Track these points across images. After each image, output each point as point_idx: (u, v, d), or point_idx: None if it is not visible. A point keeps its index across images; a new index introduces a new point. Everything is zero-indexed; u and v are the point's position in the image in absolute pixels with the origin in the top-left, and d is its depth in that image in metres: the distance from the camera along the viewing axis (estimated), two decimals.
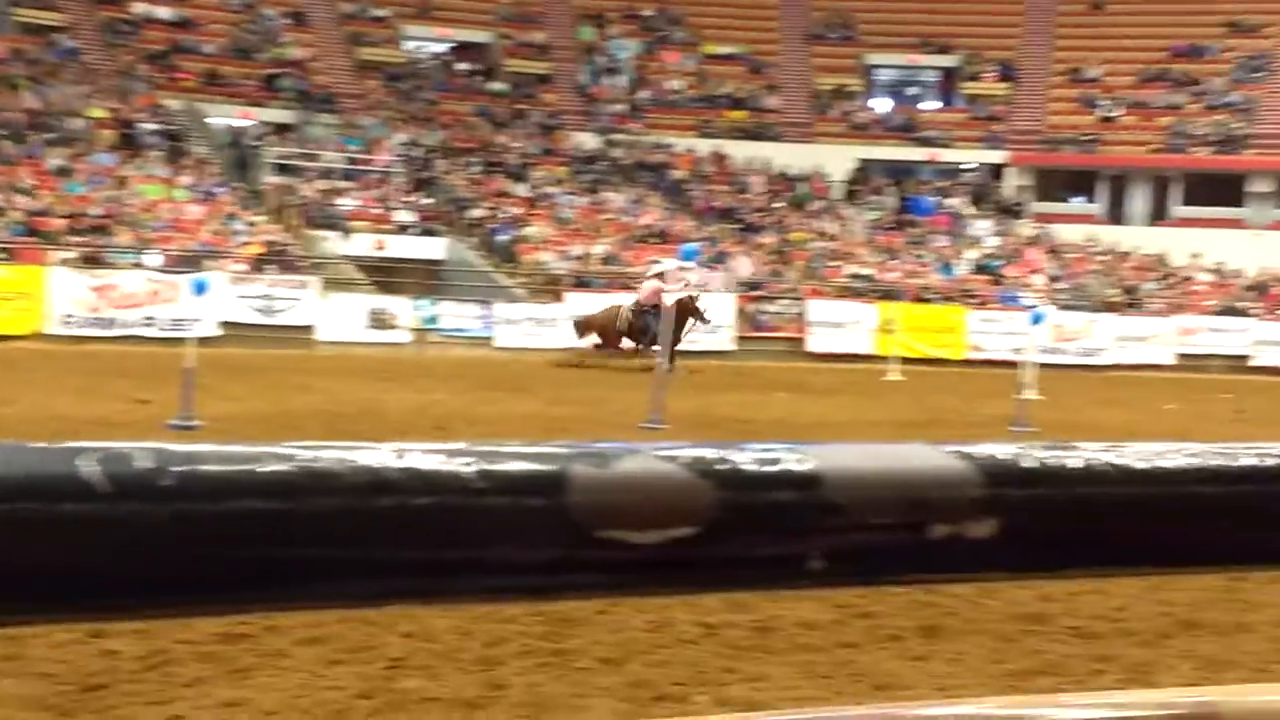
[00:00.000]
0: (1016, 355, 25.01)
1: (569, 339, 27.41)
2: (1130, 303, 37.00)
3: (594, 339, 26.54)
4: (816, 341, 33.22)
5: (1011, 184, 44.11)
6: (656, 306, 24.67)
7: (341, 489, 0.61)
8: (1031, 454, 0.69)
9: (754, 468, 0.66)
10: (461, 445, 0.65)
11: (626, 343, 26.08)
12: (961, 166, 44.69)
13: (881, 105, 46.89)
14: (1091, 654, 7.17)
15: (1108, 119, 44.02)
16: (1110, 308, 36.11)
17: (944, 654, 6.99)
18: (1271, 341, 35.47)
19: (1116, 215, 43.40)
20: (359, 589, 0.65)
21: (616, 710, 5.59)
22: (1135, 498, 0.68)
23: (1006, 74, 46.26)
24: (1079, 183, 44.51)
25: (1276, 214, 41.79)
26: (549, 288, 33.17)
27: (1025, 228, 41.58)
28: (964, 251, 39.15)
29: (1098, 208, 43.95)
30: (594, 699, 5.77)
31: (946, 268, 38.05)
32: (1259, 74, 44.09)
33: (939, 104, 47.04)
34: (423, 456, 0.64)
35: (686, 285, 26.22)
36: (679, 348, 23.98)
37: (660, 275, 26.28)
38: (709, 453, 0.69)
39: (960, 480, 0.67)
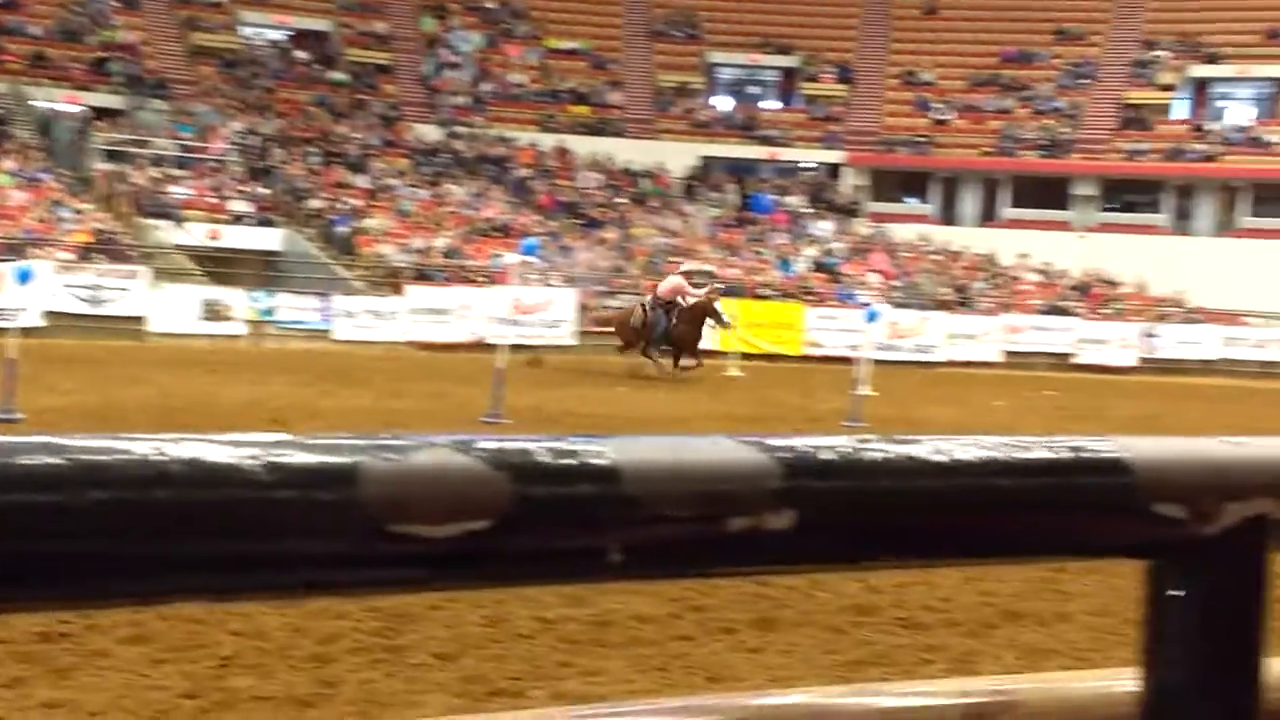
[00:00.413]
0: (853, 352, 25.45)
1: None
2: (961, 301, 37.96)
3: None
4: None
5: (848, 184, 44.93)
6: (672, 304, 24.54)
7: (114, 482, 0.59)
8: (830, 446, 0.70)
9: (551, 460, 0.66)
10: (246, 437, 0.63)
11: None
12: (800, 165, 45.37)
13: (723, 103, 47.35)
14: (919, 644, 7.33)
15: (940, 122, 45.11)
16: (942, 306, 37.00)
17: (777, 645, 7.09)
18: (1094, 340, 36.72)
19: (948, 216, 44.51)
20: (134, 585, 0.63)
21: (450, 705, 5.56)
22: (933, 490, 0.69)
23: (844, 76, 47.09)
24: (913, 183, 45.54)
25: (1100, 216, 43.29)
26: (389, 280, 32.80)
27: (862, 227, 42.40)
28: (803, 249, 39.76)
29: (930, 208, 45.01)
30: (428, 695, 5.72)
31: (785, 265, 38.60)
32: (1084, 81, 45.61)
33: (779, 104, 47.68)
34: (204, 448, 0.62)
35: (710, 288, 25.72)
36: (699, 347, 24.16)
37: (686, 274, 25.95)
38: (505, 445, 0.68)
39: (759, 473, 0.67)
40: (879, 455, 0.69)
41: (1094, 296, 39.39)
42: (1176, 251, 40.72)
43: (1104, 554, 0.78)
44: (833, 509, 0.69)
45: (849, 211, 43.31)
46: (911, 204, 45.49)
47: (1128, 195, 43.59)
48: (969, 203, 44.78)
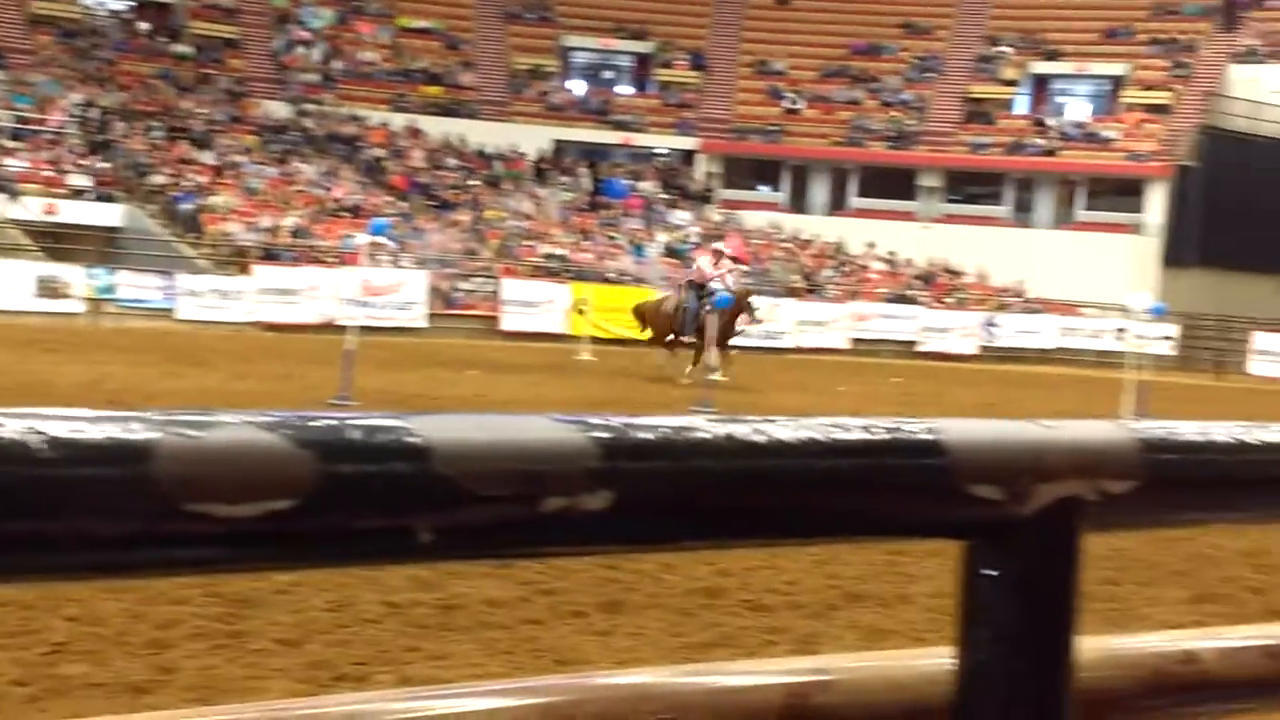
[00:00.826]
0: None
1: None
2: (810, 288, 38.51)
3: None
4: (510, 320, 33.29)
5: (701, 170, 45.23)
6: (704, 287, 22.36)
7: None
8: (648, 426, 0.69)
9: (360, 438, 0.64)
10: (30, 410, 0.60)
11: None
12: (654, 151, 45.53)
13: (577, 87, 47.29)
14: (764, 626, 7.43)
15: (792, 111, 45.64)
16: (792, 293, 37.49)
17: (625, 628, 7.13)
18: (937, 328, 37.56)
19: (799, 204, 45.08)
20: None
21: (293, 691, 5.47)
22: (751, 470, 0.70)
23: (697, 63, 47.37)
24: (764, 172, 46.03)
25: (944, 207, 44.24)
26: (235, 260, 32.12)
27: (714, 213, 42.74)
28: (655, 235, 39.93)
29: (781, 196, 45.54)
30: (269, 681, 5.63)
31: (638, 250, 38.73)
32: (930, 74, 46.53)
33: (633, 89, 47.77)
34: None
35: (735, 275, 23.56)
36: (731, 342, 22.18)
37: (716, 254, 23.76)
38: (311, 422, 0.66)
39: (575, 453, 0.67)
40: (697, 436, 0.69)
41: (938, 286, 40.28)
42: (1016, 243, 41.83)
43: (921, 534, 0.79)
44: (650, 489, 0.68)
45: (701, 198, 43.62)
46: (763, 192, 45.97)
47: (971, 187, 44.64)
48: (819, 191, 45.42)
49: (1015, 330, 38.07)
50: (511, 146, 42.25)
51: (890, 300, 38.55)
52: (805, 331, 36.05)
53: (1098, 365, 35.60)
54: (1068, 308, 39.41)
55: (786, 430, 0.70)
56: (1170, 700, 0.93)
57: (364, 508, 0.65)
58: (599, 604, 7.45)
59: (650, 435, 0.68)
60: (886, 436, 0.73)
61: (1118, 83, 45.61)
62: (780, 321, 35.90)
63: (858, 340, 36.42)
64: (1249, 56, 44.97)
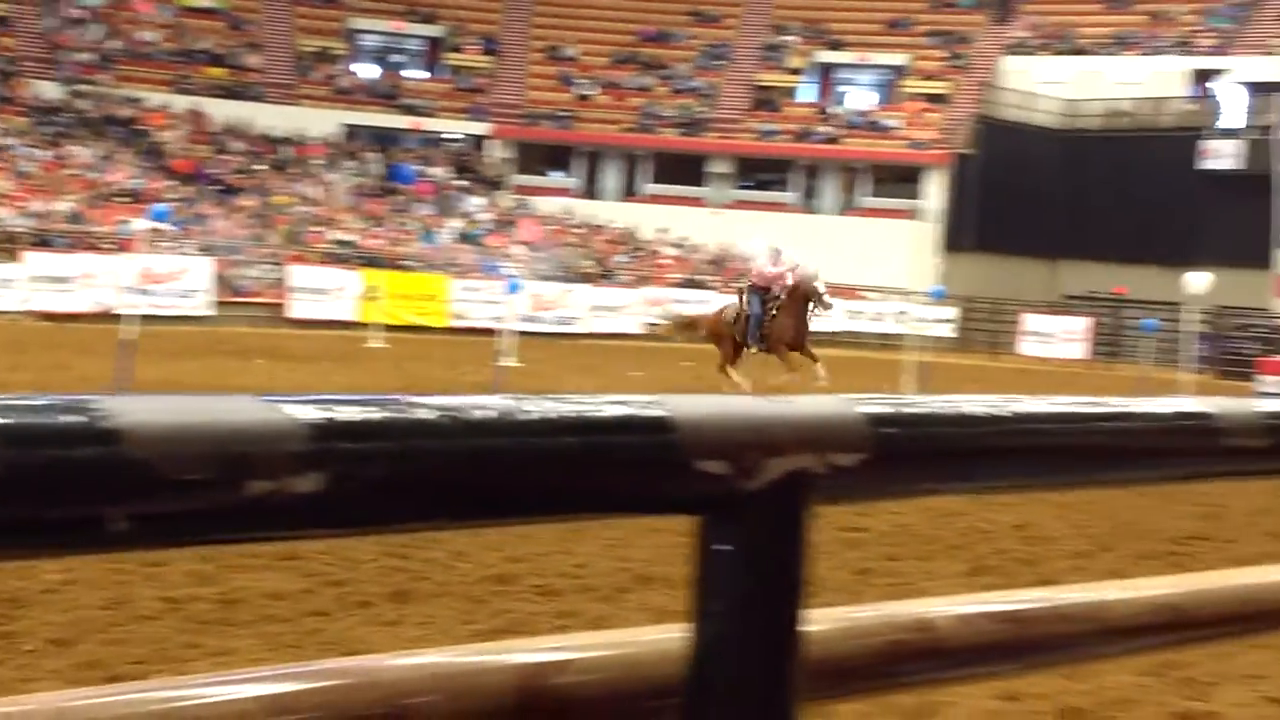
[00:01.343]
0: (496, 323, 25.56)
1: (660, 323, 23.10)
2: (603, 274, 38.70)
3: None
4: (298, 308, 32.63)
5: (494, 156, 45.00)
6: (768, 290, 20.03)
7: None
8: (363, 405, 0.68)
9: (45, 421, 0.60)
10: None
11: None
12: (445, 136, 45.12)
13: (366, 71, 46.53)
14: (555, 610, 7.46)
15: (584, 97, 45.75)
16: (585, 278, 37.62)
17: (414, 618, 7.06)
18: None
19: (591, 190, 45.23)
20: None
21: None
22: (475, 449, 0.69)
23: (489, 48, 47.08)
24: (557, 157, 46.03)
25: (733, 194, 44.92)
26: (6, 246, 30.72)
27: (507, 199, 42.58)
28: (447, 220, 39.60)
29: (574, 182, 45.62)
30: (40, 683, 5.41)
31: (430, 236, 38.35)
32: (719, 62, 47.16)
33: (423, 73, 47.23)
34: None
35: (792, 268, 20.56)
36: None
37: (776, 251, 20.88)
38: None
39: (282, 434, 0.65)
40: (416, 416, 0.68)
41: (728, 271, 40.90)
42: (803, 228, 42.73)
43: (652, 511, 0.79)
44: (365, 471, 0.67)
45: (494, 183, 43.40)
46: (556, 178, 45.98)
47: (759, 174, 45.42)
48: (611, 177, 45.64)
49: None
50: (298, 131, 41.35)
51: (682, 285, 38.99)
52: (598, 317, 36.24)
53: (881, 347, 36.65)
54: (852, 292, 40.44)
55: (511, 408, 0.70)
56: (906, 667, 0.96)
57: (50, 495, 0.62)
58: (387, 594, 7.37)
59: (365, 415, 0.67)
60: (613, 414, 0.73)
61: (898, 73, 46.94)
62: (573, 307, 36.01)
63: (651, 325, 36.74)
64: (1020, 48, 46.76)
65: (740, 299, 20.46)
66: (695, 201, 44.20)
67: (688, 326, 22.52)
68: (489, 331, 27.20)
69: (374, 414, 0.67)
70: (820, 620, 0.92)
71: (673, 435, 0.75)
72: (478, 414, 0.69)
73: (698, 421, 0.76)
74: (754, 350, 20.15)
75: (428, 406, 0.68)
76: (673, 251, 41.55)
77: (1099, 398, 0.95)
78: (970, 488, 0.91)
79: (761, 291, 20.10)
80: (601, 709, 0.81)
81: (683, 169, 44.57)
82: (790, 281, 19.93)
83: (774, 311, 19.90)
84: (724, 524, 0.78)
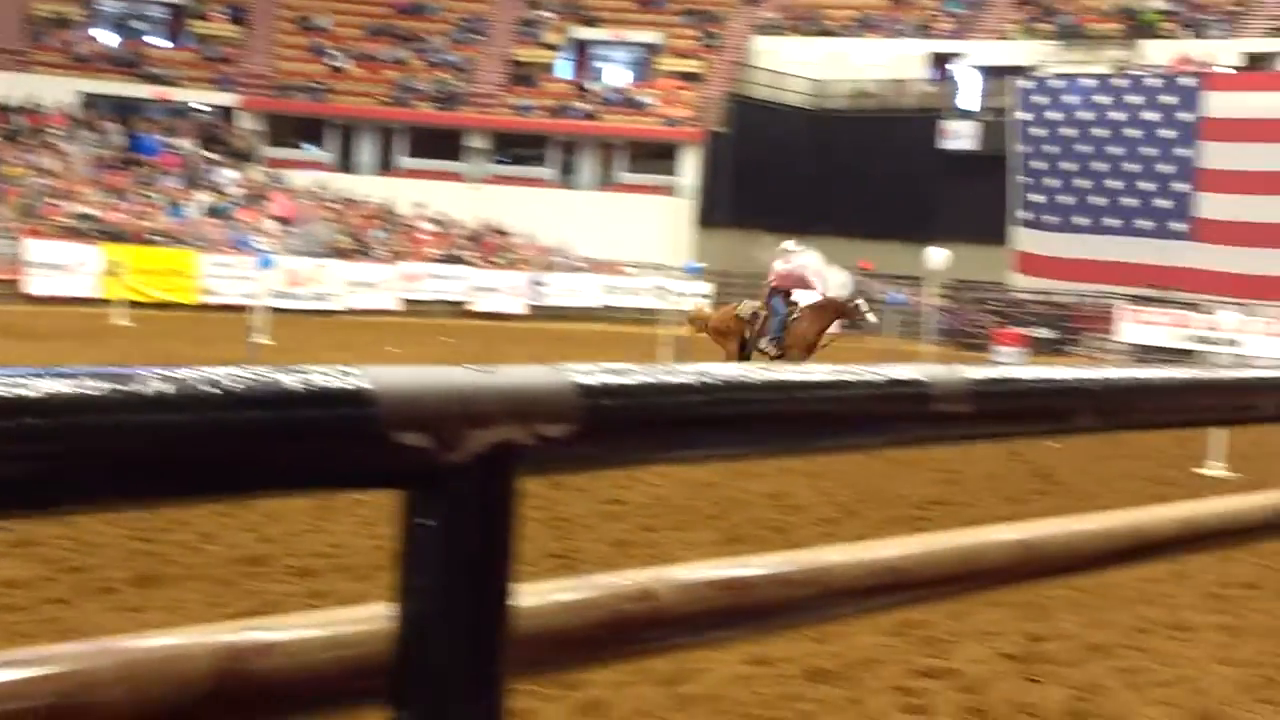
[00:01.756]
0: (248, 300, 24.91)
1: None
2: (359, 250, 38.05)
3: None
4: (36, 284, 31.15)
5: (243, 128, 43.71)
6: (788, 293, 19.94)
7: None
8: (14, 379, 0.63)
9: None
10: None
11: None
12: (191, 107, 43.60)
13: (105, 37, 44.57)
14: (309, 590, 7.34)
15: (337, 69, 44.81)
16: (340, 254, 36.93)
17: (160, 602, 6.86)
18: (487, 288, 38.01)
19: (346, 164, 44.38)
20: None
21: None
22: (154, 424, 0.65)
23: (236, 16, 45.65)
24: (310, 130, 44.99)
25: (491, 169, 44.70)
26: None
27: (258, 172, 41.42)
28: (195, 194, 38.30)
29: (328, 156, 44.69)
30: None
31: (176, 209, 37.04)
32: (475, 36, 46.80)
33: (167, 41, 45.50)
34: None
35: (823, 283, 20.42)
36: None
37: (789, 254, 20.68)
38: None
39: None
40: (80, 391, 0.63)
41: (487, 246, 40.71)
42: (561, 204, 42.86)
43: (353, 486, 0.77)
44: (14, 450, 0.62)
45: (244, 156, 42.16)
46: (309, 151, 44.95)
47: (517, 149, 45.30)
48: (366, 151, 44.86)
49: (562, 289, 39.04)
50: (31, 99, 39.34)
51: (440, 261, 38.66)
52: (355, 293, 35.65)
53: (639, 322, 37.08)
54: (610, 267, 40.78)
55: (191, 380, 0.66)
56: (627, 637, 0.95)
57: None
58: (131, 578, 7.14)
59: (15, 389, 0.62)
60: (305, 385, 0.70)
61: (653, 51, 47.41)
62: (328, 283, 35.33)
63: (409, 301, 36.36)
64: (770, 28, 47.79)
65: (748, 308, 20.33)
66: (453, 176, 43.83)
67: (695, 323, 21.90)
68: (241, 308, 26.49)
69: (22, 390, 0.61)
70: (540, 593, 0.91)
71: (370, 408, 0.72)
72: (154, 387, 0.65)
73: (397, 393, 0.73)
74: (768, 353, 19.75)
75: (96, 377, 0.64)
76: (430, 227, 41.12)
77: (820, 366, 0.96)
78: (684, 457, 0.91)
79: (783, 294, 20.02)
80: (307, 692, 0.78)
81: (440, 144, 44.11)
82: (817, 287, 20.02)
83: (796, 315, 19.83)
84: (427, 498, 0.76)
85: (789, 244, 21.08)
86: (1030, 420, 1.15)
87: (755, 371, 0.92)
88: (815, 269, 20.58)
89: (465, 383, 0.76)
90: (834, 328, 19.99)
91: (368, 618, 0.80)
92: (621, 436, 0.83)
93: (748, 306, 20.44)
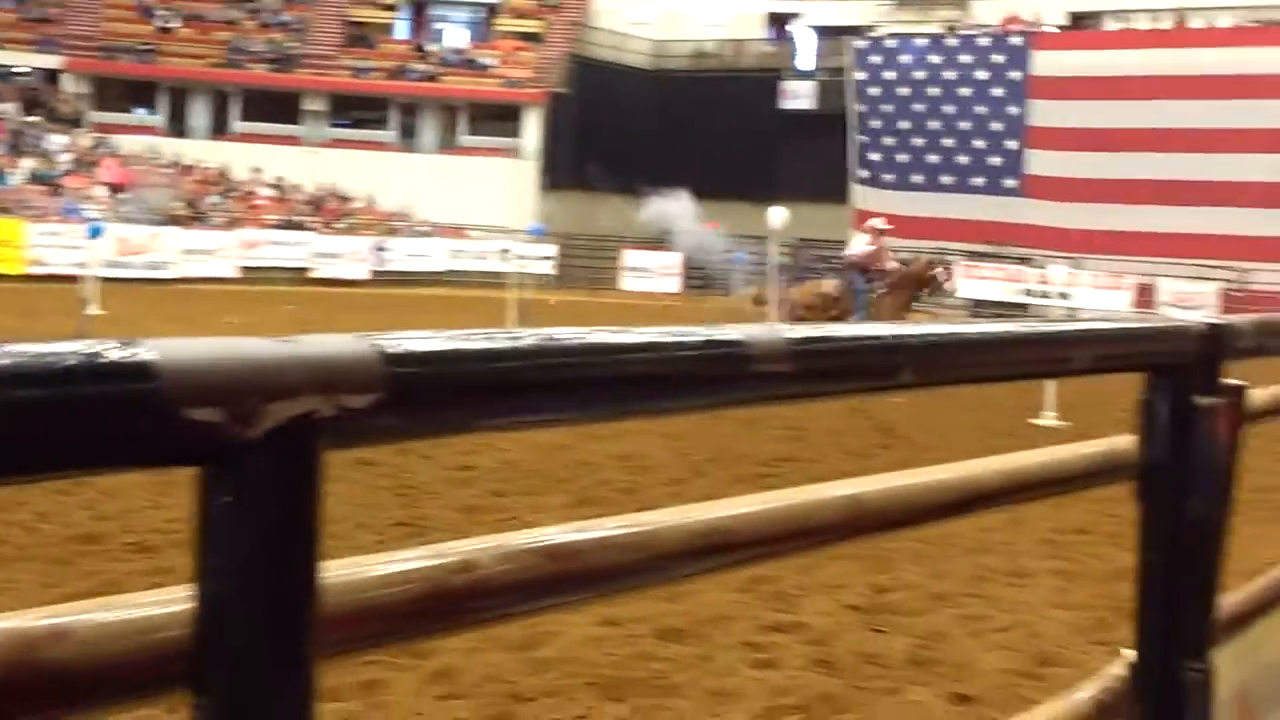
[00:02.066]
0: (79, 270, 24.16)
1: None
2: (194, 216, 37.11)
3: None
4: None
5: (68, 91, 42.22)
6: (867, 269, 20.03)
7: None
8: None
9: None
10: None
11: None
12: (13, 70, 41.95)
13: None
14: (150, 568, 7.20)
15: (166, 30, 43.50)
16: (175, 221, 35.99)
17: None
18: (328, 254, 37.38)
19: (178, 128, 43.17)
20: None
21: None
22: None
23: None
24: (139, 93, 43.63)
25: (330, 132, 43.89)
26: None
27: (85, 137, 40.07)
28: (20, 160, 36.92)
29: (159, 119, 43.43)
30: None
31: (0, 177, 35.69)
32: None
33: None
34: None
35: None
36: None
37: (878, 232, 20.75)
38: None
39: None
40: None
41: (327, 211, 40.03)
42: (403, 167, 42.30)
43: (143, 464, 0.73)
44: None
45: (70, 121, 40.73)
46: (139, 114, 43.61)
47: (356, 112, 44.54)
48: (199, 115, 43.69)
49: (406, 254, 38.59)
50: None
51: (279, 227, 37.90)
52: (191, 261, 34.79)
53: (485, 285, 36.86)
54: (455, 231, 40.42)
55: None
56: (449, 609, 0.93)
57: None
58: None
59: None
60: (84, 360, 0.66)
61: (492, 10, 46.96)
62: (162, 251, 34.42)
63: (247, 269, 35.60)
64: None
65: (830, 286, 20.65)
66: (291, 140, 42.95)
67: (761, 301, 21.86)
68: (72, 279, 25.68)
69: None
70: (356, 568, 0.88)
71: (156, 382, 0.69)
72: None
73: (187, 366, 0.70)
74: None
75: None
76: (269, 192, 40.26)
77: (636, 328, 0.95)
78: (497, 424, 0.89)
79: (861, 271, 20.16)
80: (104, 680, 0.74)
81: (276, 107, 43.15)
82: (893, 264, 20.31)
83: (881, 290, 19.92)
84: (224, 475, 0.73)
85: (877, 222, 21.44)
86: (851, 378, 1.16)
87: (568, 334, 0.91)
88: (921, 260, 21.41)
89: (261, 354, 0.73)
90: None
91: (168, 600, 0.76)
92: (430, 405, 0.81)
93: (831, 283, 20.85)
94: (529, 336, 0.86)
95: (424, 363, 0.78)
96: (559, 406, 0.89)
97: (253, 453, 0.72)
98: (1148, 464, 1.63)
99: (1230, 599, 2.30)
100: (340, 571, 0.84)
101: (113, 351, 0.67)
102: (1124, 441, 1.70)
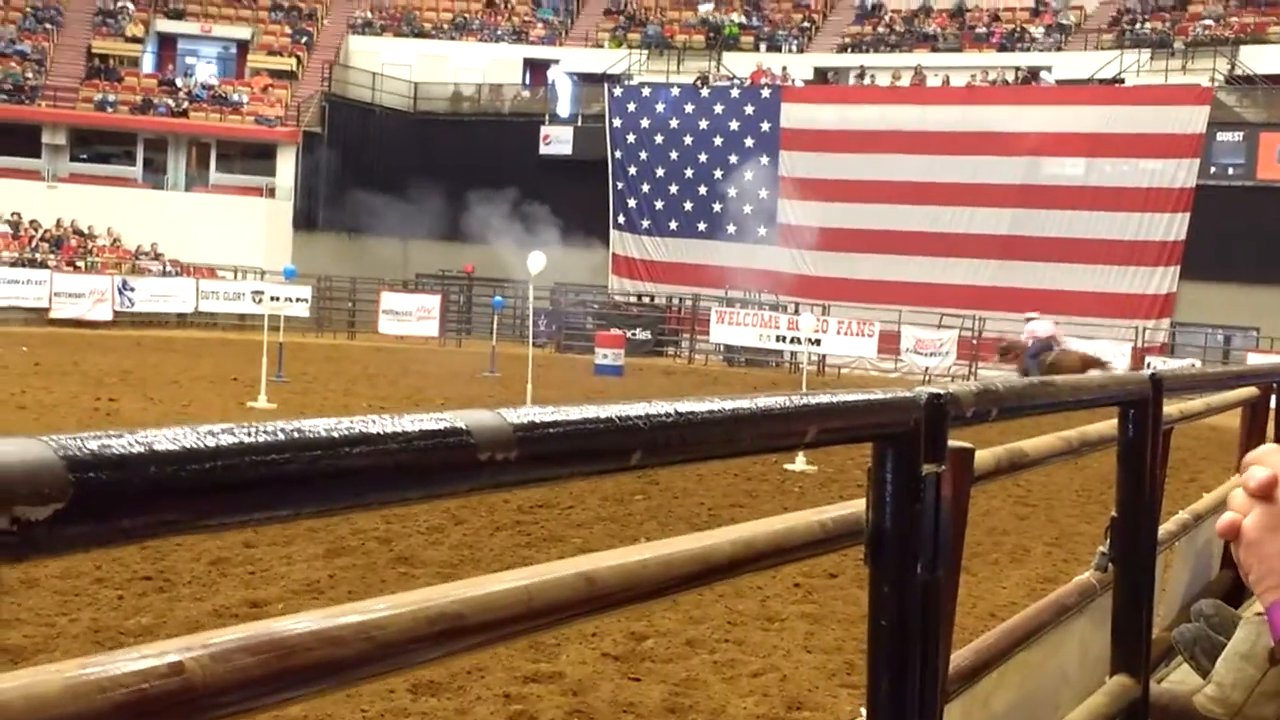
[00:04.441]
0: None
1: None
2: None
3: None
4: None
5: None
6: (1037, 353, 25.00)
7: None
8: None
9: None
10: None
11: None
12: None
13: None
14: None
15: None
16: None
17: None
18: (70, 293, 35.81)
19: None
20: None
21: None
22: None
23: None
24: None
25: (71, 167, 42.17)
26: None
27: None
28: None
29: None
30: None
31: None
32: (48, 25, 44.03)
33: None
34: None
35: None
36: None
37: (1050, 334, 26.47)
38: None
39: None
40: None
41: (67, 249, 38.38)
42: (150, 204, 40.89)
43: None
44: None
45: None
46: None
47: (100, 146, 42.89)
48: None
49: (152, 294, 37.25)
50: None
51: (16, 264, 36.14)
52: None
53: (237, 328, 35.87)
54: (205, 271, 39.25)
55: None
56: (159, 718, 0.88)
57: None
58: None
59: None
60: None
61: (243, 46, 45.96)
62: None
63: None
64: (366, 28, 47.23)
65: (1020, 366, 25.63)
66: (30, 174, 41.05)
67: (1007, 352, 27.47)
68: None
69: None
70: (44, 679, 0.82)
71: None
72: None
73: None
74: None
75: None
76: (4, 229, 38.38)
77: (347, 419, 0.91)
78: (201, 527, 0.84)
79: (1033, 355, 25.29)
80: None
81: (14, 139, 41.17)
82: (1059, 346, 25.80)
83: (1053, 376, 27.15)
84: None
85: (1032, 315, 27.58)
86: (580, 461, 1.15)
87: (273, 429, 0.87)
88: (1047, 329, 26.67)
89: None
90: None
91: None
92: (122, 512, 0.76)
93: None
94: (232, 432, 0.82)
95: (115, 467, 0.73)
96: (268, 505, 0.85)
97: None
98: (876, 530, 1.67)
99: (961, 654, 2.37)
100: (26, 681, 0.78)
101: None
102: (857, 507, 1.74)
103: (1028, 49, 41.69)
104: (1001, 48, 42.00)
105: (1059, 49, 41.49)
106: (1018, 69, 40.64)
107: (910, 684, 1.71)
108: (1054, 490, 15.00)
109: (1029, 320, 27.87)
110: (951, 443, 1.82)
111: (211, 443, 0.79)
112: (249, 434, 0.81)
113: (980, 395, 1.92)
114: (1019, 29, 42.55)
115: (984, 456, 2.28)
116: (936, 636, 1.71)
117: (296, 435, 0.84)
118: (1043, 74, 40.35)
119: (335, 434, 0.87)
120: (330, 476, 0.87)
